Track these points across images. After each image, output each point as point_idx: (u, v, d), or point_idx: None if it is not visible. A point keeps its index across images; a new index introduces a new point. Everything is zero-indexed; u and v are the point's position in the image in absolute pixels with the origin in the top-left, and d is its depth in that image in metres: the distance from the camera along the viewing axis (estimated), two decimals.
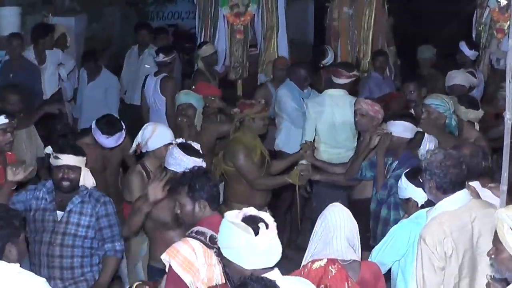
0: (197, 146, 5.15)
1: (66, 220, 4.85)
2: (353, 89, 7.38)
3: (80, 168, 4.87)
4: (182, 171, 4.53)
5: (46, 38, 8.43)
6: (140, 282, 4.47)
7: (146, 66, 8.98)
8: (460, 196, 4.16)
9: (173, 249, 3.93)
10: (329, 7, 9.62)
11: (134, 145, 5.71)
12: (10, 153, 5.65)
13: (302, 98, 7.34)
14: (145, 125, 5.81)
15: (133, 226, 4.91)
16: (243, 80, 8.92)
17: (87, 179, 4.93)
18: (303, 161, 6.27)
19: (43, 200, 4.90)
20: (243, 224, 3.37)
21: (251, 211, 3.46)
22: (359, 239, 4.07)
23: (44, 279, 3.63)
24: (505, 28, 8.83)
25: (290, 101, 7.39)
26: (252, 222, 3.38)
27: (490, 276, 3.67)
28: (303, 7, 12.78)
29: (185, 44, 11.08)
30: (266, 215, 3.45)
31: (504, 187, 4.21)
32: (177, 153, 5.00)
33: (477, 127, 6.47)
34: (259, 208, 5.67)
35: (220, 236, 3.48)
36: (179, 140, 5.23)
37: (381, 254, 4.42)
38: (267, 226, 3.40)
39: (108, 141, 5.87)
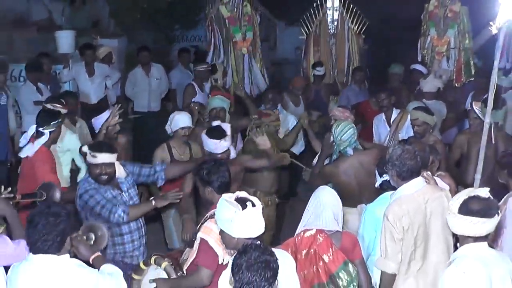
0: (225, 126, 5.84)
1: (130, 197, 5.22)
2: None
3: (114, 163, 5.03)
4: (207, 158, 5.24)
5: (88, 52, 9.30)
6: (158, 256, 4.41)
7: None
8: (416, 182, 4.42)
9: (207, 228, 4.21)
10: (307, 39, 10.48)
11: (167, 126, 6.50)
12: None
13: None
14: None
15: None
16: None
17: (120, 171, 5.12)
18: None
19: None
20: (235, 202, 3.74)
21: (243, 194, 3.83)
22: (342, 215, 4.48)
23: (97, 271, 3.64)
24: (442, 51, 9.92)
25: None
26: (242, 201, 3.73)
27: None
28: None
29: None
30: (254, 198, 3.79)
31: (478, 175, 4.86)
32: (205, 139, 5.72)
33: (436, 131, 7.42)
34: (265, 193, 6.58)
35: (217, 211, 3.83)
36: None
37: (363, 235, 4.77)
38: (253, 205, 3.73)
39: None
